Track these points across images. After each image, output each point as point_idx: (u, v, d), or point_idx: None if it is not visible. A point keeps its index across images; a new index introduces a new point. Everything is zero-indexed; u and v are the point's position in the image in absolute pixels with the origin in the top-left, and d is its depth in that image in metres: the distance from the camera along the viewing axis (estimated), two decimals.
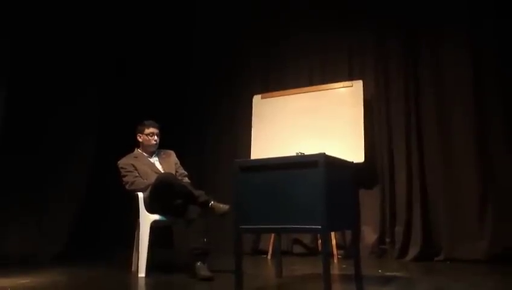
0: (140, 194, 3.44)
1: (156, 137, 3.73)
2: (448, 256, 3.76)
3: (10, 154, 3.99)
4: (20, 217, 4.10)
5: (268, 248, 4.32)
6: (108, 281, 3.30)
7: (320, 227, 2.34)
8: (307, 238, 4.43)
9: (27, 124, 4.19)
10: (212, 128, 5.14)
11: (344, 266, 3.72)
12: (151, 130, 3.73)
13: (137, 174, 3.59)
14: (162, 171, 3.63)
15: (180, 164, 3.87)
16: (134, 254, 3.54)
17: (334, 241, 4.05)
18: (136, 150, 3.78)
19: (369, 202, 4.21)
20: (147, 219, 3.38)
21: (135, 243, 3.53)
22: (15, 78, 4.02)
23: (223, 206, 3.32)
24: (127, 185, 3.55)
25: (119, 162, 3.65)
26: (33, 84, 4.24)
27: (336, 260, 3.99)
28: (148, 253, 3.32)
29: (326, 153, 2.42)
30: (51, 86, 4.35)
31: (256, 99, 4.63)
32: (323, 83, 4.46)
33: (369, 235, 4.18)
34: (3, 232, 3.99)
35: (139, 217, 3.40)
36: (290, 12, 4.82)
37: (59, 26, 4.38)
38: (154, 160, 3.76)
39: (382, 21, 4.36)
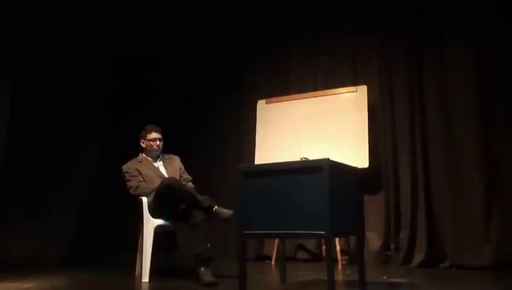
0: (144, 199, 3.44)
1: (158, 142, 3.73)
2: (454, 262, 3.73)
3: (14, 159, 3.99)
4: (23, 222, 4.10)
5: (272, 253, 4.31)
6: (111, 285, 3.30)
7: (324, 233, 2.33)
8: (311, 244, 4.41)
9: (31, 128, 4.21)
10: (216, 134, 5.13)
11: (348, 272, 3.70)
12: (154, 135, 3.72)
13: (141, 179, 3.59)
14: (166, 176, 3.63)
15: (185, 169, 3.87)
16: (137, 258, 3.53)
17: (338, 247, 4.03)
18: (140, 154, 3.78)
19: (374, 207, 4.19)
20: (150, 223, 3.38)
21: (139, 248, 3.52)
22: (20, 84, 4.03)
23: (227, 211, 3.32)
24: (131, 190, 3.55)
25: (123, 166, 3.65)
26: (37, 89, 4.25)
27: (340, 266, 3.97)
28: (151, 258, 3.32)
29: (331, 159, 2.42)
30: (55, 91, 4.36)
31: (261, 104, 4.63)
32: (327, 88, 4.45)
33: (374, 241, 4.15)
34: (6, 236, 3.99)
35: (142, 222, 3.40)
36: (293, 16, 4.83)
37: (64, 34, 4.40)
38: (159, 164, 3.76)
39: (386, 25, 4.35)
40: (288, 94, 4.61)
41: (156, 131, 3.75)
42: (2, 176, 3.79)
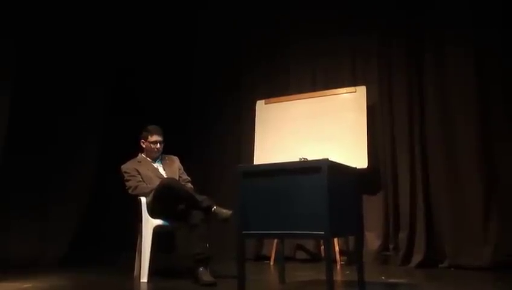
0: (143, 199, 3.44)
1: (159, 145, 3.72)
2: (453, 263, 3.73)
3: (14, 159, 3.99)
4: (23, 222, 4.10)
5: (271, 253, 4.31)
6: (111, 285, 3.30)
7: (323, 233, 2.33)
8: (310, 244, 4.41)
9: (31, 128, 4.21)
10: (215, 134, 5.13)
11: (347, 272, 3.70)
12: (155, 138, 3.71)
13: (140, 179, 3.59)
14: (165, 177, 3.63)
15: (184, 169, 3.87)
16: (136, 258, 3.53)
17: (337, 247, 4.03)
18: (139, 154, 3.78)
19: (372, 207, 4.19)
20: (149, 223, 3.38)
21: (138, 248, 3.53)
22: (19, 83, 4.03)
23: (226, 212, 3.32)
24: (130, 190, 3.55)
25: (122, 166, 3.65)
26: (37, 88, 4.25)
27: (339, 266, 3.97)
28: (150, 258, 3.32)
29: (330, 159, 2.42)
30: (55, 91, 4.36)
31: (260, 104, 4.63)
32: (327, 88, 4.46)
33: (373, 241, 4.16)
34: (6, 236, 3.99)
35: (141, 222, 3.40)
36: (293, 16, 4.83)
37: (64, 34, 4.40)
38: (158, 165, 3.76)
39: (386, 25, 4.35)
40: (288, 94, 4.62)
41: (157, 133, 3.73)
42: (2, 176, 3.80)
